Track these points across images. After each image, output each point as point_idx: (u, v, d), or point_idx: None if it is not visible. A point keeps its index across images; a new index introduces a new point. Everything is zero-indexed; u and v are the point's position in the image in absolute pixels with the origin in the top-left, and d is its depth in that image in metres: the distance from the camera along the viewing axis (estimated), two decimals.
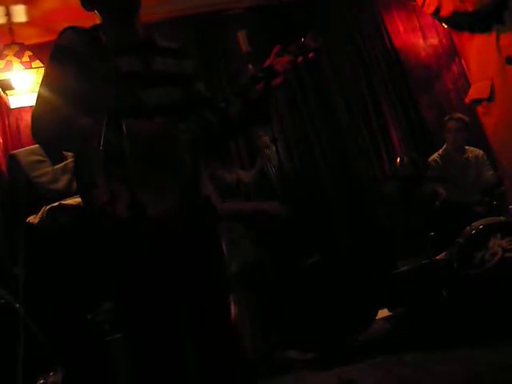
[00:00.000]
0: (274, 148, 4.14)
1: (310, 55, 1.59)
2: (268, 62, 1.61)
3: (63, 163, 3.12)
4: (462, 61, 5.02)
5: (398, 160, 4.23)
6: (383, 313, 4.02)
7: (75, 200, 2.75)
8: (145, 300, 1.57)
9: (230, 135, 1.96)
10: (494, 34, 1.73)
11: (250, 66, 1.67)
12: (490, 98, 1.78)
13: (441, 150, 4.24)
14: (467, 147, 4.21)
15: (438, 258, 3.74)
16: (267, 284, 3.41)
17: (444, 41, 5.25)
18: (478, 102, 1.84)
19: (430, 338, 3.13)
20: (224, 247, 3.21)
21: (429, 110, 5.07)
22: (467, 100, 1.92)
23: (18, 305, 2.42)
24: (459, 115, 4.09)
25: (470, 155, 4.19)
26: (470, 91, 1.91)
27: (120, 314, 1.80)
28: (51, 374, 2.43)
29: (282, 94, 4.79)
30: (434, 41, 5.27)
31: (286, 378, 3.05)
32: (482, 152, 4.19)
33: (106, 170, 1.33)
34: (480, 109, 1.85)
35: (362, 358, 3.04)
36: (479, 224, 3.16)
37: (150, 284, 1.55)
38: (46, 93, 1.54)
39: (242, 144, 4.57)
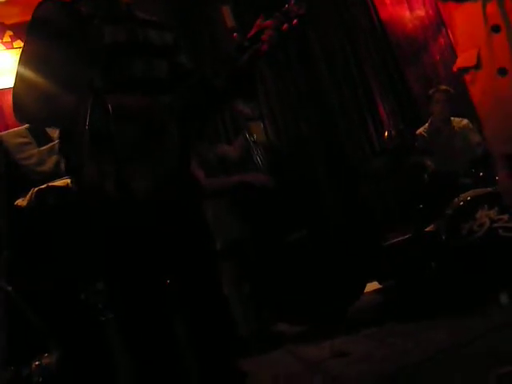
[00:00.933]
0: (261, 124, 4.13)
1: (295, 21, 1.57)
2: (253, 31, 1.59)
3: (49, 145, 3.08)
4: (449, 31, 5.00)
5: (386, 133, 4.24)
6: (373, 285, 4.08)
7: (63, 181, 2.73)
8: (134, 276, 1.57)
9: (216, 107, 1.94)
10: (480, 2, 1.73)
11: (235, 34, 1.64)
12: (477, 66, 1.78)
13: (427, 123, 4.25)
14: (453, 118, 4.22)
15: (426, 230, 3.78)
16: (254, 259, 3.43)
17: (430, 12, 5.21)
18: (465, 70, 1.85)
19: (420, 308, 3.18)
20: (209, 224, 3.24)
21: (416, 82, 5.07)
22: (455, 68, 1.93)
23: (10, 288, 2.42)
24: (445, 87, 4.10)
25: (456, 126, 4.20)
26: (458, 59, 1.91)
27: (110, 291, 1.80)
28: (45, 355, 2.44)
29: (268, 68, 4.75)
30: (420, 12, 5.24)
31: (278, 353, 3.09)
32: (467, 121, 4.21)
33: (92, 149, 1.32)
34: (467, 77, 1.85)
35: (353, 330, 3.09)
36: (467, 195, 3.19)
37: (138, 260, 1.56)
38: (24, 70, 1.51)
39: (227, 119, 4.53)
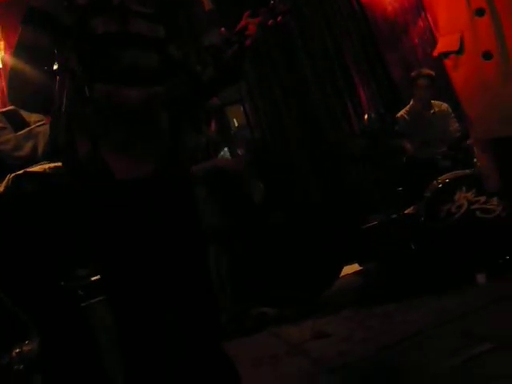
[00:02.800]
0: (241, 107, 4.11)
1: (279, 18, 1.59)
2: (240, 26, 1.61)
3: (26, 129, 3.02)
4: (428, 15, 5.01)
5: (366, 117, 4.25)
6: (353, 267, 4.13)
7: (41, 167, 2.69)
8: (121, 260, 1.56)
9: (203, 98, 1.96)
10: None
11: (223, 29, 1.66)
12: (460, 51, 1.76)
13: (408, 106, 4.26)
14: (433, 101, 4.25)
15: (406, 212, 3.83)
16: (235, 244, 3.45)
17: None
18: (447, 54, 1.83)
19: (399, 290, 3.23)
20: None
21: (395, 65, 5.07)
22: (435, 53, 1.90)
23: None
24: (428, 71, 4.09)
25: (437, 109, 4.23)
26: (439, 44, 1.89)
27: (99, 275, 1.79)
28: (26, 342, 2.43)
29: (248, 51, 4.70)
30: None
31: (260, 336, 3.12)
32: (446, 105, 4.24)
33: (69, 133, 1.32)
34: (448, 62, 1.83)
35: (334, 312, 3.13)
36: (445, 178, 3.23)
37: (126, 245, 1.54)
38: (19, 57, 1.52)
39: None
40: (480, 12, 1.69)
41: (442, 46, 1.87)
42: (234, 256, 3.45)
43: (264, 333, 3.14)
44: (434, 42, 4.95)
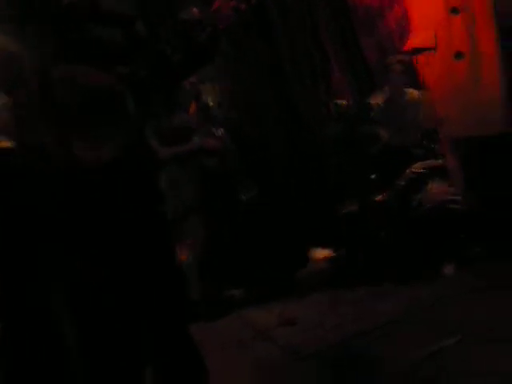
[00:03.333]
0: (215, 88, 4.03)
1: (253, 1, 1.55)
2: (215, 7, 1.55)
3: None
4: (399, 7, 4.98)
5: (342, 102, 4.23)
6: (325, 253, 4.13)
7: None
8: (81, 243, 1.54)
9: (174, 79, 1.90)
10: None
11: (195, 10, 1.60)
12: (433, 48, 1.74)
13: (382, 93, 4.23)
14: (406, 89, 4.23)
15: (377, 199, 3.84)
16: (208, 224, 3.41)
17: None
18: (420, 51, 1.81)
19: (370, 276, 3.25)
20: (164, 191, 3.18)
21: (372, 51, 5.02)
22: (407, 47, 1.88)
23: None
24: (404, 57, 4.05)
25: (410, 97, 4.21)
26: (412, 39, 1.87)
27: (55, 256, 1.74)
28: None
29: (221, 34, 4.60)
30: None
31: (227, 319, 3.10)
32: (418, 92, 4.22)
33: (33, 113, 1.26)
34: (421, 58, 1.81)
35: (303, 298, 3.13)
36: (419, 167, 3.24)
37: (88, 227, 1.52)
38: None
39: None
40: (455, 10, 1.67)
41: (415, 41, 1.84)
42: (209, 235, 3.42)
43: (231, 316, 3.12)
44: (407, 33, 4.95)
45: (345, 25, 4.96)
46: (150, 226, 1.65)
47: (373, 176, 4.01)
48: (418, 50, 1.83)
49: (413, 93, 4.21)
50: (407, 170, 3.33)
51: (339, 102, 4.40)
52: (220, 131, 3.77)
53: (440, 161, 3.29)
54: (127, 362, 1.65)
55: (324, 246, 4.10)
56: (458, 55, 1.67)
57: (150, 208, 1.68)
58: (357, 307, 2.70)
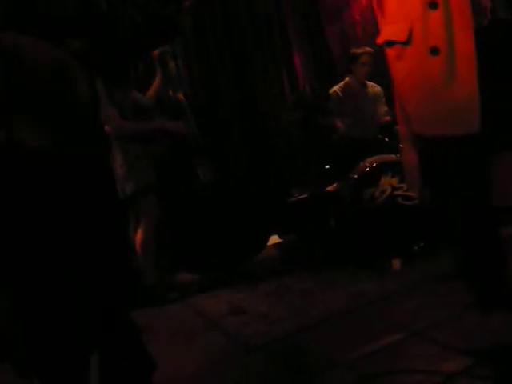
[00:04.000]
0: (174, 65, 3.91)
1: None
2: None
3: None
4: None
5: (301, 89, 4.21)
6: (273, 239, 4.14)
7: None
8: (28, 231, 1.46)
9: (132, 54, 1.82)
10: None
11: None
12: (407, 42, 1.72)
13: (342, 83, 4.23)
14: (368, 82, 4.26)
15: (328, 189, 3.87)
16: (162, 205, 3.35)
17: None
18: (391, 43, 1.77)
19: (318, 267, 3.30)
20: (120, 169, 3.10)
21: (334, 40, 5.04)
22: (380, 40, 1.84)
23: None
24: (371, 49, 4.06)
25: (370, 90, 4.25)
26: (384, 31, 1.83)
27: None
28: None
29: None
30: None
31: (176, 306, 3.07)
32: (380, 88, 4.27)
33: None
34: (391, 51, 1.78)
35: (253, 286, 3.13)
36: (373, 161, 3.27)
37: (32, 212, 1.45)
38: None
39: (140, 64, 4.28)
40: (433, 5, 1.65)
41: (387, 33, 1.80)
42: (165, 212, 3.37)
43: (181, 303, 3.09)
44: (373, 21, 4.97)
45: (310, 12, 4.94)
46: (100, 211, 1.60)
47: (326, 166, 4.04)
48: (389, 43, 1.79)
49: (373, 86, 4.26)
50: (361, 163, 3.36)
51: (298, 89, 4.38)
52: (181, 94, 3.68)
53: (394, 156, 3.34)
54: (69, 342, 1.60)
55: (274, 232, 4.12)
56: (434, 51, 1.65)
57: (99, 192, 1.61)
58: (303, 299, 2.72)
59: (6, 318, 2.33)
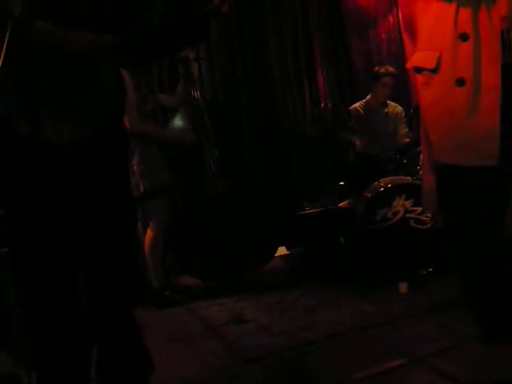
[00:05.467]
0: (196, 66, 3.93)
1: None
2: None
3: None
4: (400, 12, 4.98)
5: (322, 104, 4.20)
6: (281, 251, 4.12)
7: None
8: (38, 220, 1.48)
9: (160, 54, 1.82)
10: (454, 5, 1.66)
11: None
12: (435, 70, 1.73)
13: (364, 100, 4.22)
14: (389, 101, 4.24)
15: (340, 205, 3.85)
16: (173, 207, 3.35)
17: None
18: (420, 70, 1.79)
19: (323, 282, 3.26)
20: (136, 167, 3.11)
21: (359, 57, 5.03)
22: (410, 65, 1.86)
23: None
24: (393, 70, 4.05)
25: (391, 110, 4.23)
26: (415, 57, 1.85)
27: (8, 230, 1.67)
28: None
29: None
30: None
31: (178, 310, 3.06)
32: (401, 109, 4.25)
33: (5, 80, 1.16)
34: (420, 78, 1.80)
35: (256, 297, 3.11)
36: (388, 182, 3.24)
37: (46, 203, 1.47)
38: None
39: (165, 66, 4.31)
40: (464, 37, 1.66)
41: (417, 60, 1.83)
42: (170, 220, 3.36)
43: (183, 308, 3.07)
44: (399, 41, 4.96)
45: (336, 27, 4.93)
46: (113, 209, 1.60)
47: (341, 182, 4.02)
48: (418, 70, 1.81)
49: (395, 106, 4.24)
50: (376, 183, 3.33)
51: (320, 104, 4.38)
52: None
53: (409, 178, 3.32)
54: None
55: (282, 244, 4.10)
56: (460, 82, 1.66)
57: (114, 188, 1.62)
58: (306, 315, 2.69)
59: (9, 305, 2.34)
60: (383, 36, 5.12)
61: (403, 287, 2.87)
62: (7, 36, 1.04)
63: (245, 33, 4.70)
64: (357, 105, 4.20)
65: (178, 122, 3.47)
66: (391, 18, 5.10)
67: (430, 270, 3.09)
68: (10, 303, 2.35)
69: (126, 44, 1.47)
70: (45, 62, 1.27)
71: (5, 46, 1.04)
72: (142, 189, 3.11)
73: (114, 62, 1.48)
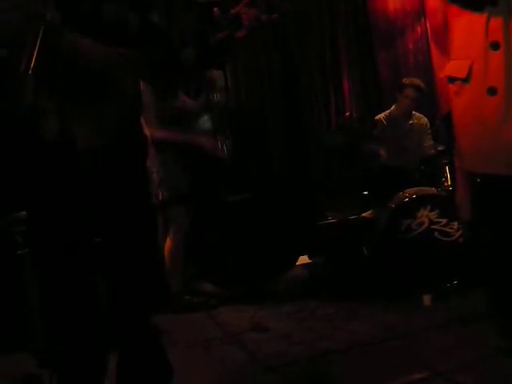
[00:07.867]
0: (223, 78, 3.97)
1: (275, 16, 1.50)
2: (235, 11, 1.50)
3: None
4: (427, 22, 4.95)
5: (348, 114, 4.18)
6: (303, 259, 4.10)
7: None
8: (56, 224, 1.50)
9: (180, 73, 1.86)
10: (485, 15, 1.65)
11: (216, 10, 1.53)
12: (466, 80, 1.72)
13: (388, 111, 4.19)
14: (414, 113, 4.20)
15: (364, 215, 3.82)
16: (194, 214, 3.36)
17: None
18: (453, 80, 1.79)
19: (344, 292, 3.23)
20: (157, 174, 3.13)
21: (385, 67, 5.00)
22: (443, 75, 1.86)
23: None
24: (419, 83, 4.00)
25: (416, 121, 4.18)
26: (448, 67, 1.84)
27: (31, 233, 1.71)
28: None
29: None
30: None
31: (198, 316, 3.06)
32: (426, 120, 4.20)
33: (34, 85, 1.20)
34: (453, 87, 1.79)
35: (276, 305, 3.09)
36: (412, 193, 3.21)
37: (64, 206, 1.50)
38: None
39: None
40: (495, 46, 1.64)
41: (450, 69, 1.82)
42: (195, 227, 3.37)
43: (202, 314, 3.08)
44: (427, 51, 4.92)
45: (363, 38, 4.92)
46: (132, 215, 1.61)
47: (364, 192, 3.99)
48: (451, 79, 1.80)
49: (420, 117, 4.19)
50: (400, 193, 3.30)
51: (345, 113, 4.36)
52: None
53: (434, 189, 3.27)
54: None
55: (304, 252, 4.08)
56: (491, 91, 1.64)
57: (135, 195, 1.64)
58: (326, 325, 2.66)
59: (31, 307, 2.37)
60: (410, 46, 5.08)
61: (427, 299, 2.83)
62: (40, 37, 1.08)
63: (270, 46, 4.72)
64: (381, 115, 4.17)
65: (201, 126, 3.49)
66: (419, 28, 5.06)
67: (455, 282, 3.03)
68: (33, 304, 2.39)
69: (143, 59, 1.51)
70: (74, 68, 1.31)
71: (37, 48, 1.07)
72: (160, 196, 3.13)
73: (131, 73, 1.51)
